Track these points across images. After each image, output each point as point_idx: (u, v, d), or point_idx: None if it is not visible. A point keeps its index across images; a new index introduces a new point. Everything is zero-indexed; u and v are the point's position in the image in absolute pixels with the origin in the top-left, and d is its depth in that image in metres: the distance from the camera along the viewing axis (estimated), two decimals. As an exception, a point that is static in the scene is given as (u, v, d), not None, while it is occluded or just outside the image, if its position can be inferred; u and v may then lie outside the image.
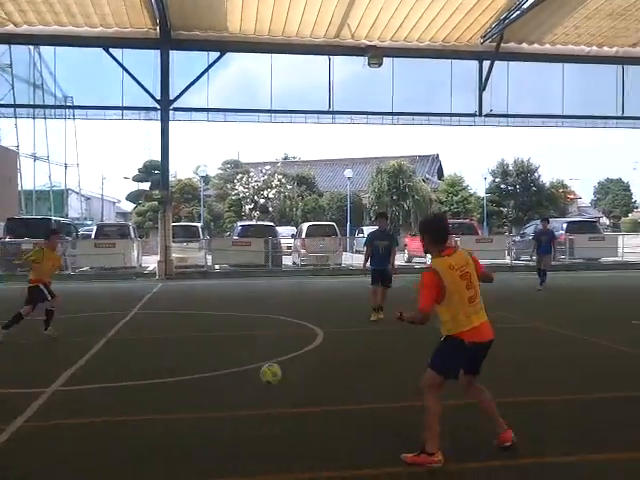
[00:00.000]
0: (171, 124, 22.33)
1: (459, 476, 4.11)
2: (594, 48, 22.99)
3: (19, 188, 38.90)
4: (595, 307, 12.79)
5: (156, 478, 4.08)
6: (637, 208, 70.60)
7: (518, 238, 29.46)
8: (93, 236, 25.37)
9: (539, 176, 48.08)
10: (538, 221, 31.35)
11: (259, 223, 30.48)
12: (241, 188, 46.42)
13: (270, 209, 45.79)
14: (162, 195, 22.33)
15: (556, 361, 7.45)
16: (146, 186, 54.45)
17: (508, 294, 14.49)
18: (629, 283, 18.98)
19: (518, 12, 20.11)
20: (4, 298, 14.84)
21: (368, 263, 11.04)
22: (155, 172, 49.57)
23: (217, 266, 24.00)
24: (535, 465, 4.19)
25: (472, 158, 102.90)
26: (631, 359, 7.66)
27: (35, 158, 44.06)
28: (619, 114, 24.05)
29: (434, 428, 4.08)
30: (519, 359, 7.46)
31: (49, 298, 9.08)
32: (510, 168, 48.04)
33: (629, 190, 70.24)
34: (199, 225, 29.68)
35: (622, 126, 25.25)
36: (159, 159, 23.27)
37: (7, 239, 23.38)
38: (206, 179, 50.35)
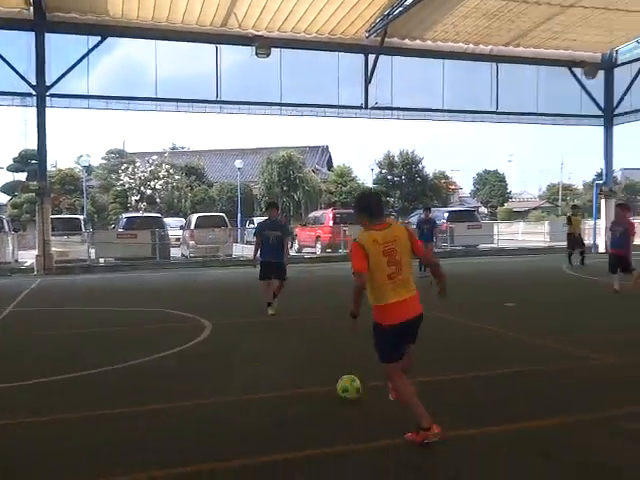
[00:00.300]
0: (49, 111, 21.11)
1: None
2: (471, 46, 24.13)
3: None
4: (474, 292, 13.51)
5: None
6: (512, 198, 75.28)
7: (404, 227, 30.50)
8: (-37, 230, 23.60)
9: (423, 167, 50.03)
10: (421, 210, 32.79)
11: (145, 215, 29.64)
12: (127, 179, 44.80)
13: (157, 200, 44.57)
14: (39, 186, 21.09)
15: (439, 344, 7.78)
16: (22, 176, 51.22)
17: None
18: (503, 268, 20.23)
19: (401, 9, 20.74)
20: None
21: (258, 254, 10.53)
22: (32, 162, 46.78)
23: (101, 259, 23.09)
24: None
25: (360, 149, 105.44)
26: (507, 339, 8.20)
27: None
28: (494, 109, 25.44)
29: (416, 405, 4.24)
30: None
31: None
32: (396, 159, 49.63)
33: (504, 181, 74.60)
34: (81, 217, 28.43)
35: (496, 121, 26.77)
36: (36, 148, 21.97)
37: None
38: (89, 169, 48.20)
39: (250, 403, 5.46)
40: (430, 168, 51.23)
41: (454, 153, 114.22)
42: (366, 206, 4.46)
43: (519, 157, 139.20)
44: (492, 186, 74.49)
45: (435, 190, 50.22)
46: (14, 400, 5.74)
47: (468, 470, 3.94)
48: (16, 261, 22.95)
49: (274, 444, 4.40)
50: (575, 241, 19.28)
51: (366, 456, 4.21)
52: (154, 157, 47.03)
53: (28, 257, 23.33)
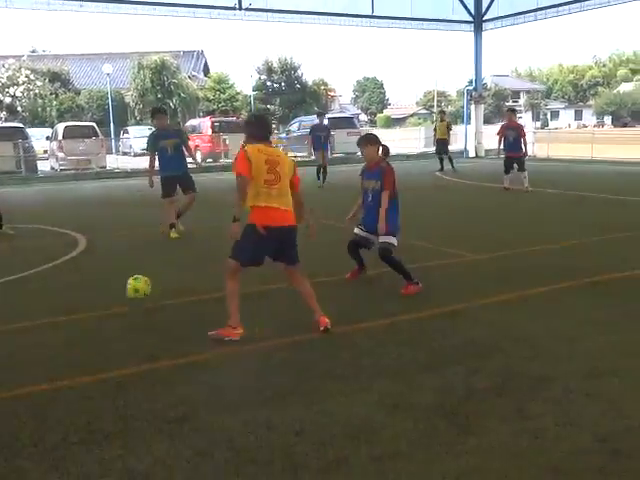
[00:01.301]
0: None
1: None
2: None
3: None
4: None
5: None
6: (390, 105, 76.59)
7: (284, 135, 30.35)
8: None
9: (302, 74, 49.37)
10: (303, 117, 32.58)
11: (5, 125, 27.30)
12: (-20, 85, 40.76)
13: (19, 109, 41.09)
14: None
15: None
16: None
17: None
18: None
19: None
20: None
21: (157, 169, 9.32)
22: None
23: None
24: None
25: (238, 55, 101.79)
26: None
27: None
28: (369, 13, 25.20)
29: (233, 305, 4.54)
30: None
31: None
32: (275, 66, 48.52)
33: (383, 88, 75.51)
34: None
35: (372, 25, 26.63)
36: None
37: None
38: None
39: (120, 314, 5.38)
40: (310, 75, 50.74)
41: (333, 59, 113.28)
42: (254, 128, 4.73)
43: (397, 64, 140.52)
44: (371, 93, 75.19)
45: (315, 97, 49.95)
46: None
47: (342, 364, 4.16)
48: None
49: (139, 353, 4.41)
50: (441, 146, 19.71)
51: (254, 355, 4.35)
52: (11, 61, 42.85)
53: None
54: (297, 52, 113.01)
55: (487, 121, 35.79)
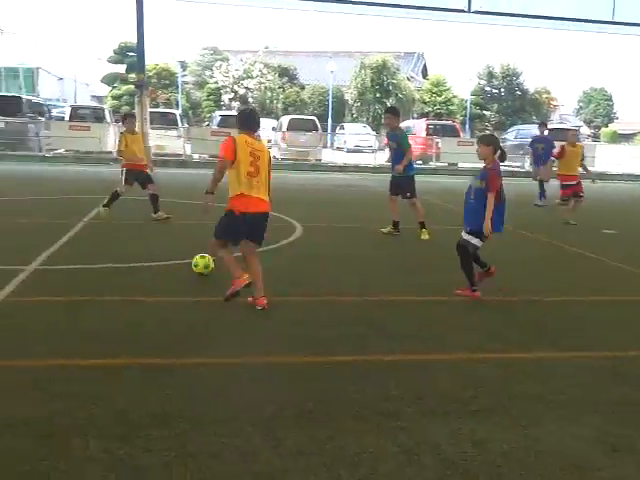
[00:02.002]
0: (146, 2, 21.18)
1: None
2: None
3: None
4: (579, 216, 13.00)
5: (123, 352, 4.20)
6: (617, 119, 70.47)
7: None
8: (67, 118, 24.65)
9: (524, 81, 47.40)
10: (521, 126, 31.30)
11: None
12: (220, 76, 44.98)
13: (250, 100, 44.67)
14: (138, 79, 21.54)
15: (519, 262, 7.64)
16: (121, 69, 52.37)
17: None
18: (604, 194, 19.22)
19: None
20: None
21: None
22: (130, 54, 47.59)
23: (195, 155, 23.66)
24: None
25: (458, 59, 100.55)
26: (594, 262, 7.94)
27: (1, 32, 41.92)
28: (609, 19, 23.34)
29: (234, 266, 5.26)
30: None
31: (131, 183, 9.86)
32: (496, 71, 47.16)
33: (611, 100, 69.72)
34: (177, 112, 28.95)
35: (614, 32, 24.64)
36: (134, 40, 22.22)
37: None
38: (183, 65, 48.59)
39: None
40: (532, 82, 48.57)
41: (559, 67, 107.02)
42: (242, 120, 5.33)
43: (631, 75, 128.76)
44: (597, 105, 69.90)
45: (535, 105, 47.72)
46: (110, 280, 6.11)
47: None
48: (116, 151, 23.89)
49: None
50: None
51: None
52: (247, 55, 46.75)
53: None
54: (520, 57, 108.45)
55: None
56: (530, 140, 16.52)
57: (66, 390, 3.54)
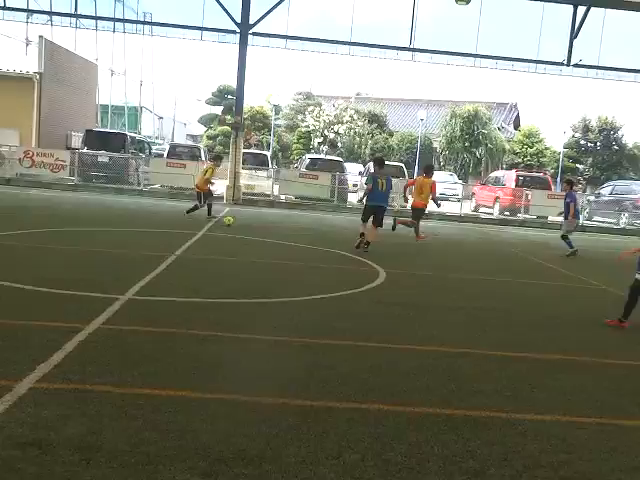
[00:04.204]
0: (248, 49, 22.18)
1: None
2: None
3: (96, 102, 39.75)
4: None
5: (217, 390, 4.27)
6: None
7: (593, 197, 28.40)
8: (165, 155, 25.90)
9: (622, 135, 45.83)
10: (618, 182, 30.21)
11: (328, 157, 30.35)
12: (312, 121, 46.11)
13: (339, 144, 45.45)
14: (235, 120, 22.43)
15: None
16: (218, 110, 54.69)
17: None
18: None
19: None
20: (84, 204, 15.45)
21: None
22: (228, 97, 49.73)
23: (283, 196, 24.19)
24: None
25: (552, 110, 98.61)
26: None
27: (112, 73, 44.85)
28: None
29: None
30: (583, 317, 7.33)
31: (202, 202, 15.48)
32: (592, 124, 45.87)
33: None
34: (268, 154, 29.82)
35: None
36: (233, 83, 23.24)
37: (85, 149, 24.15)
38: (277, 108, 50.18)
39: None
40: (631, 137, 46.85)
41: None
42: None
43: None
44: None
45: (633, 161, 45.89)
46: (200, 314, 6.27)
47: None
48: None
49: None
50: None
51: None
52: (339, 101, 47.78)
53: (218, 186, 25.06)
54: (619, 111, 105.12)
55: None
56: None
57: (153, 419, 3.64)
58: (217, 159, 16.49)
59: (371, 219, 12.02)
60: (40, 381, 4.05)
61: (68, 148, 27.89)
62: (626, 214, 24.65)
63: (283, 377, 4.61)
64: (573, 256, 14.10)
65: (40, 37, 28.98)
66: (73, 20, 25.17)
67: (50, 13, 24.95)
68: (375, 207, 11.92)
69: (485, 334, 6.41)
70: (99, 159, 23.63)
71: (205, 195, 15.46)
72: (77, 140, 28.90)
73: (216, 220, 15.04)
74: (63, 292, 6.56)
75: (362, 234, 11.98)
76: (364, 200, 12.46)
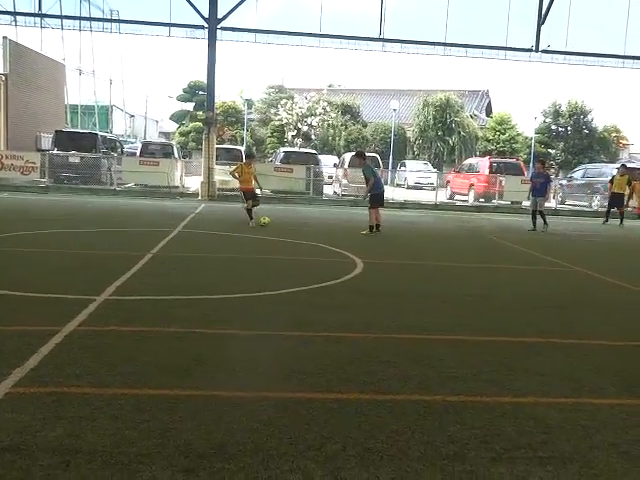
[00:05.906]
0: (217, 44, 22.01)
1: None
2: (667, -17, 21.61)
3: (65, 102, 39.15)
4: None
5: (198, 385, 4.25)
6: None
7: (565, 182, 28.77)
8: (138, 154, 25.65)
9: (592, 119, 46.43)
10: (589, 165, 30.67)
11: (302, 150, 30.30)
12: (285, 114, 46.00)
13: (313, 137, 45.41)
14: (207, 116, 22.29)
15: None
16: (190, 106, 54.31)
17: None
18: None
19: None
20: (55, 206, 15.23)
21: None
22: (200, 93, 49.36)
23: (258, 190, 24.04)
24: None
25: (523, 97, 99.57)
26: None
27: (80, 72, 44.23)
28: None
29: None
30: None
31: (247, 200, 14.56)
32: (563, 109, 46.41)
33: (686, 139, 67.27)
34: (242, 149, 29.67)
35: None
36: (204, 79, 23.06)
37: (55, 151, 23.81)
38: (250, 103, 49.95)
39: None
40: (600, 120, 47.52)
41: (629, 105, 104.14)
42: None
43: None
44: (670, 143, 67.45)
45: (603, 144, 46.58)
46: (177, 312, 6.24)
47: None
48: (183, 186, 24.63)
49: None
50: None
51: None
52: (312, 94, 47.69)
53: (192, 183, 24.94)
54: (589, 95, 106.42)
55: None
56: (531, 175, 19.17)
57: (134, 419, 3.61)
58: (249, 158, 16.16)
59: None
60: (16, 386, 4.00)
61: (38, 150, 27.51)
62: (598, 197, 25.02)
63: (263, 370, 4.61)
64: (533, 232, 15.70)
65: (4, 38, 28.47)
66: (38, 20, 24.71)
67: (14, 13, 24.46)
68: (383, 192, 14.30)
69: (463, 320, 6.46)
70: (70, 160, 23.33)
71: (248, 196, 14.67)
72: (47, 141, 28.52)
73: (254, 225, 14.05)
74: (37, 295, 6.48)
75: (378, 224, 13.78)
76: (369, 193, 13.92)
